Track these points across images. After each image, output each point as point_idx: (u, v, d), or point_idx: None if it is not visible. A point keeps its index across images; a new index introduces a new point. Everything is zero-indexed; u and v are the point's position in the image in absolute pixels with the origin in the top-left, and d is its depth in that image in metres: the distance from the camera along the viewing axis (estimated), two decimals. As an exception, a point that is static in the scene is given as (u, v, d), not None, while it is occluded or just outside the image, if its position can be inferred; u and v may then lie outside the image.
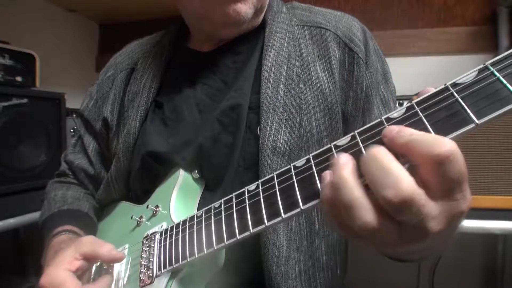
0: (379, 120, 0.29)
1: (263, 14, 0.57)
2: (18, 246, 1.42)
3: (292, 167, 0.33)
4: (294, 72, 0.51)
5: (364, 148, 0.28)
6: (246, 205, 0.35)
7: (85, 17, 1.83)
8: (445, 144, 0.23)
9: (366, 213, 0.25)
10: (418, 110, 0.27)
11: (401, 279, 1.41)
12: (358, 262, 1.44)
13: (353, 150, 0.29)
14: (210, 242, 0.38)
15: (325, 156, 0.31)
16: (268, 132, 0.47)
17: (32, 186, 1.13)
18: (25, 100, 1.12)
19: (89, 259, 0.46)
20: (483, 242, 1.34)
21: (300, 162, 0.33)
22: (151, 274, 0.44)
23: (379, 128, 0.28)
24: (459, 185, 0.24)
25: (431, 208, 0.24)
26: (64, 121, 1.26)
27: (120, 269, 0.50)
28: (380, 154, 0.25)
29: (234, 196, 0.38)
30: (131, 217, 0.54)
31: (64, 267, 0.43)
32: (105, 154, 0.65)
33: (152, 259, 0.45)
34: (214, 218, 0.39)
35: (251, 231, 0.34)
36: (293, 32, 0.55)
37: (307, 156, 0.32)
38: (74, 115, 1.41)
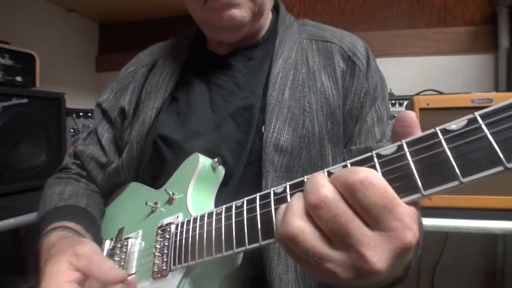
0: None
1: (263, 18, 0.61)
2: (18, 246, 1.42)
3: (326, 172, 0.30)
4: (300, 78, 0.55)
5: (412, 162, 0.26)
6: (271, 209, 0.33)
7: (85, 17, 1.83)
8: (358, 172, 0.25)
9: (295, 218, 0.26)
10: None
11: (401, 279, 1.41)
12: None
13: (399, 163, 0.26)
14: (230, 243, 0.36)
15: (365, 165, 0.28)
16: (272, 130, 0.50)
17: (32, 186, 1.13)
18: (25, 100, 1.12)
19: (85, 274, 0.43)
20: (483, 242, 1.34)
21: (333, 169, 0.31)
22: (165, 267, 0.44)
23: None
24: (388, 212, 0.24)
25: (366, 233, 0.24)
26: (64, 121, 1.26)
27: (133, 257, 0.49)
28: (315, 174, 0.28)
29: (258, 197, 0.36)
30: (146, 203, 0.53)
31: (60, 280, 0.41)
32: (118, 144, 0.66)
33: (166, 252, 0.44)
34: (235, 218, 0.37)
35: (276, 239, 0.32)
36: (302, 44, 0.59)
37: (344, 163, 0.31)
38: (74, 115, 1.41)
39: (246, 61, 0.60)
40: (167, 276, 0.43)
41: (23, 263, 1.41)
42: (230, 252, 0.36)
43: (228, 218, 0.38)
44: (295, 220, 0.26)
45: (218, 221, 0.39)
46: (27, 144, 1.13)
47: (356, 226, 0.24)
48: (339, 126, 0.54)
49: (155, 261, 0.45)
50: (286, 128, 0.50)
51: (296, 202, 0.27)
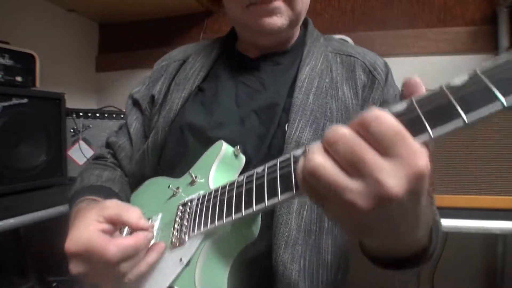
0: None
1: (298, 26, 0.67)
2: (18, 246, 1.42)
3: None
4: (324, 86, 0.59)
5: (420, 110, 0.28)
6: (291, 169, 0.35)
7: (85, 17, 1.83)
8: (372, 111, 0.27)
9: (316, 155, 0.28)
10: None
11: (401, 279, 1.41)
12: (359, 262, 1.44)
13: (409, 113, 0.29)
14: (249, 202, 0.37)
15: None
16: (295, 128, 0.55)
17: (32, 186, 1.13)
18: (25, 100, 1.12)
19: (114, 223, 0.44)
20: (483, 242, 1.34)
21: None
22: (183, 237, 0.44)
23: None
24: (398, 141, 0.26)
25: (380, 161, 0.26)
26: (64, 121, 1.26)
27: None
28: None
29: (278, 162, 0.37)
30: (168, 187, 0.54)
31: (87, 230, 0.42)
32: (146, 134, 0.70)
33: (186, 223, 0.45)
34: (256, 182, 0.38)
35: (295, 192, 0.33)
36: (327, 56, 0.64)
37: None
38: (74, 115, 1.41)
39: (274, 66, 0.65)
40: (185, 244, 0.43)
41: (23, 263, 1.41)
42: (249, 210, 0.37)
43: (249, 183, 0.39)
44: (316, 157, 0.28)
45: (239, 187, 0.40)
46: (27, 144, 1.13)
47: (371, 156, 0.26)
48: None
49: (174, 233, 0.46)
50: (308, 128, 0.55)
51: (316, 145, 0.30)
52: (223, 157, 0.52)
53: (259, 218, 0.44)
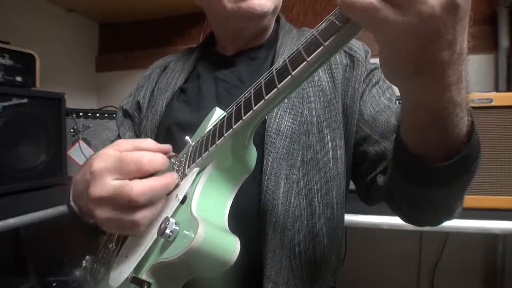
0: None
1: (273, 19, 0.70)
2: (18, 246, 1.42)
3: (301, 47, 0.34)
4: None
5: None
6: (273, 74, 0.36)
7: (85, 17, 1.83)
8: None
9: None
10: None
11: (401, 279, 1.41)
12: (359, 262, 1.44)
13: None
14: (238, 114, 0.38)
15: None
16: (274, 117, 0.56)
17: (32, 186, 1.13)
18: (25, 100, 1.12)
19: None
20: (483, 242, 1.34)
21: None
22: (181, 174, 0.43)
23: None
24: None
25: None
26: (64, 121, 1.26)
27: None
28: None
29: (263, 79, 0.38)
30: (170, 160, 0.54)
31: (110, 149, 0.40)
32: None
33: (183, 163, 0.45)
34: (244, 100, 0.39)
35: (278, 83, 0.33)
36: None
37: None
38: (74, 115, 1.41)
39: (249, 60, 0.67)
40: (181, 181, 0.42)
41: (23, 263, 1.41)
42: (239, 123, 0.37)
43: (237, 103, 0.41)
44: None
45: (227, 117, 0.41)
46: (27, 144, 1.14)
47: None
48: (337, 113, 0.59)
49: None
50: (287, 116, 0.56)
51: None
52: (217, 120, 0.52)
53: (254, 150, 0.43)
